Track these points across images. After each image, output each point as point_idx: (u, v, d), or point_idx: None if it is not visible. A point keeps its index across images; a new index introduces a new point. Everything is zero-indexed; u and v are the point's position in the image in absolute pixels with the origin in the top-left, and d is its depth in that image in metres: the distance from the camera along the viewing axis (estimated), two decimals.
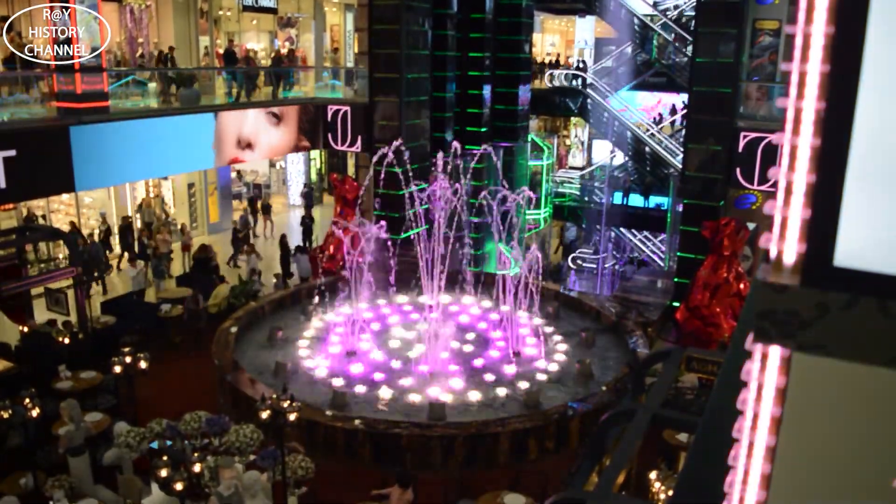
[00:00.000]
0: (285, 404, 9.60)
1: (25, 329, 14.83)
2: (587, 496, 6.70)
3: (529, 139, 25.64)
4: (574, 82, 29.40)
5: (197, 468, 9.41)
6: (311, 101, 21.66)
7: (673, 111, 32.85)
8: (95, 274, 18.84)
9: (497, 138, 23.65)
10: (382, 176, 16.14)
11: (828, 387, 2.05)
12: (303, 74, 24.65)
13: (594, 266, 28.04)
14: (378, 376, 13.47)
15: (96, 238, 22.08)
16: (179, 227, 23.66)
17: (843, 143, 1.91)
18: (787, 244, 2.05)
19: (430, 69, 20.76)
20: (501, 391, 13.18)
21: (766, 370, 2.15)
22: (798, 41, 1.96)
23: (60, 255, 20.16)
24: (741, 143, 17.08)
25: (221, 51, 24.66)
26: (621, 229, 28.63)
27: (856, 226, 1.93)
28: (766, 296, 2.03)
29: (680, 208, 19.55)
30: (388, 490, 9.85)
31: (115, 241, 22.73)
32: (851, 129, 1.89)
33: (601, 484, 6.64)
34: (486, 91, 23.21)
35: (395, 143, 15.51)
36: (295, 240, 24.01)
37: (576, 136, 38.68)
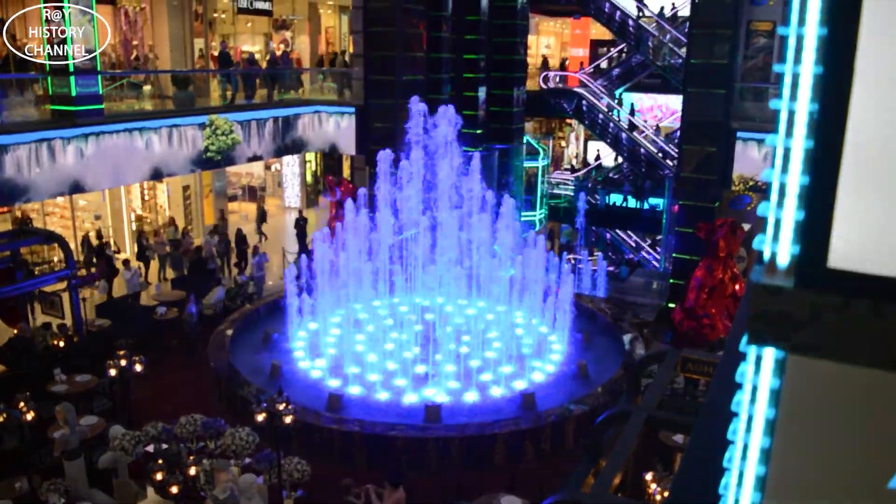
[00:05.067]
0: (281, 407, 9.59)
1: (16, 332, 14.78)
2: (583, 498, 6.69)
3: (525, 141, 25.64)
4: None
5: (192, 471, 9.39)
6: (307, 104, 21.66)
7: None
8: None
9: (492, 140, 23.67)
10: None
11: (822, 389, 2.05)
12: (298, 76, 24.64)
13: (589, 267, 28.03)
14: (373, 378, 13.47)
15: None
16: (181, 232, 23.57)
17: (837, 145, 1.91)
18: (781, 246, 2.05)
19: (426, 71, 20.75)
20: (498, 392, 13.19)
21: (760, 372, 2.15)
22: (791, 42, 1.96)
23: (55, 258, 20.08)
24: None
25: (216, 53, 24.61)
26: (616, 230, 28.65)
27: (850, 227, 1.93)
28: (761, 297, 2.03)
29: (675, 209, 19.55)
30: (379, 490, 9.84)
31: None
32: (845, 130, 1.89)
33: (597, 485, 6.64)
34: (482, 93, 23.22)
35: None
36: (290, 241, 24.03)
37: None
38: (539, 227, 26.86)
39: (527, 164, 25.89)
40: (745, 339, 2.12)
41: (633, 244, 29.04)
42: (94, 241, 21.36)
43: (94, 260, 20.11)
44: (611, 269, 26.36)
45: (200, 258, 20.52)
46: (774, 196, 2.05)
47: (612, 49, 33.27)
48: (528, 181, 26.09)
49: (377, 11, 19.38)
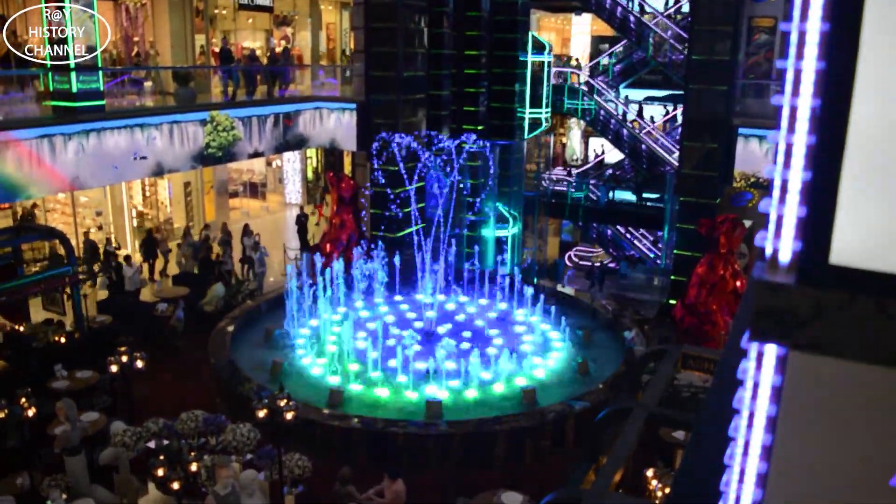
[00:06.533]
0: (282, 403, 9.60)
1: (21, 328, 14.80)
2: (584, 494, 6.69)
3: (530, 35, 25.12)
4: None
5: (194, 467, 9.40)
6: (308, 100, 21.63)
7: None
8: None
9: (494, 137, 23.60)
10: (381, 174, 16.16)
11: (824, 385, 2.04)
12: (298, 73, 24.60)
13: (590, 263, 28.05)
14: (375, 375, 13.46)
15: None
16: (184, 229, 23.56)
17: (839, 141, 1.90)
18: (783, 242, 2.04)
19: (427, 67, 20.71)
20: (499, 389, 13.19)
21: (762, 369, 2.14)
22: (793, 38, 1.95)
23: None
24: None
25: (217, 49, 24.58)
26: (618, 227, 28.61)
27: (852, 223, 1.92)
28: (763, 294, 2.02)
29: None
30: (379, 487, 9.88)
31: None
32: (847, 126, 1.88)
33: (598, 482, 6.64)
34: (483, 89, 23.16)
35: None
36: (291, 238, 24.04)
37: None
38: (544, 126, 26.19)
39: (533, 59, 25.35)
40: (747, 335, 2.11)
41: (634, 241, 29.02)
42: (98, 241, 21.34)
43: (99, 260, 20.14)
44: (611, 265, 26.35)
45: (208, 255, 20.59)
46: (777, 192, 2.04)
47: (613, 45, 33.17)
48: (534, 76, 25.58)
49: (378, 7, 19.32)
